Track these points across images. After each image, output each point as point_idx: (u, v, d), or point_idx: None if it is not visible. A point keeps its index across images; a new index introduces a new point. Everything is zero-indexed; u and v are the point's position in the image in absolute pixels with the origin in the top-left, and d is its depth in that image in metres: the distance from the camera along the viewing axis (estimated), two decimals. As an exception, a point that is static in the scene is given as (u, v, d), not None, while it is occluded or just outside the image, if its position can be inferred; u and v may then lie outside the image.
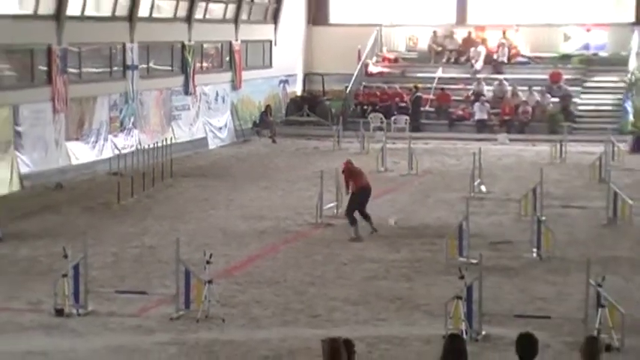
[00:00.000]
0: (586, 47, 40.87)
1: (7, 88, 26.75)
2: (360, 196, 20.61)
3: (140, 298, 15.52)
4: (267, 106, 38.83)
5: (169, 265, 15.96)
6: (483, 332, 13.79)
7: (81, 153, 28.90)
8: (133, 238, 20.36)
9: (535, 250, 18.63)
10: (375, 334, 13.99)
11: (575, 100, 38.81)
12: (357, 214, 20.51)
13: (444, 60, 41.64)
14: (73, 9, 28.42)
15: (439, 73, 40.74)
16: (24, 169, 26.39)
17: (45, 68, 27.67)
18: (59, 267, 15.41)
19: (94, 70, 30.35)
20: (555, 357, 12.66)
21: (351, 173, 21.04)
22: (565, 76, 39.50)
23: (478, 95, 39.02)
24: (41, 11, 27.50)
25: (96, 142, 29.57)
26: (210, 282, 14.73)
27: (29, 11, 27.30)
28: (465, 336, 12.73)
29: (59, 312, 14.83)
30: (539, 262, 18.30)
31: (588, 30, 40.88)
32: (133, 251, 19.19)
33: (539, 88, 38.95)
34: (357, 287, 16.59)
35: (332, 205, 22.36)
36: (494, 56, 40.92)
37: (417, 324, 14.59)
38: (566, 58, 40.62)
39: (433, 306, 15.07)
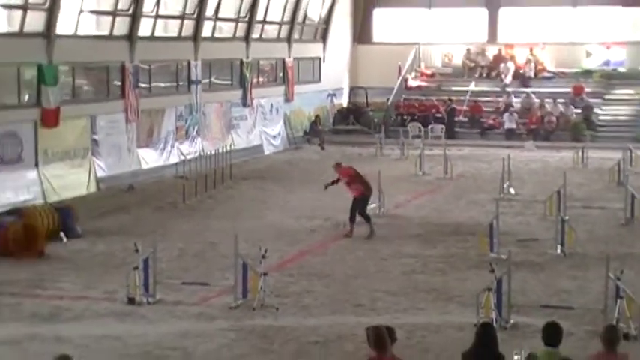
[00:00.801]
0: (606, 63, 40.46)
1: (86, 101, 27.02)
2: (362, 201, 20.28)
3: (202, 289, 15.60)
4: (317, 117, 38.84)
5: (229, 258, 16.02)
6: (512, 321, 13.71)
7: (150, 158, 29.09)
8: (196, 234, 20.46)
9: (559, 246, 18.48)
10: (413, 322, 13.95)
11: (596, 110, 38.42)
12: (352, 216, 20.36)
13: (477, 75, 41.44)
14: (144, 30, 28.63)
15: (472, 86, 40.54)
16: (100, 173, 26.61)
17: (119, 83, 27.89)
18: (131, 260, 15.54)
19: (162, 84, 30.55)
20: (578, 344, 12.54)
21: (353, 179, 20.56)
22: (587, 89, 39.14)
23: (507, 106, 38.81)
24: (116, 32, 27.74)
25: (164, 148, 29.76)
26: (265, 274, 14.77)
27: (105, 32, 27.55)
28: (494, 324, 12.66)
29: (131, 300, 14.94)
30: (563, 257, 18.15)
31: (608, 48, 40.46)
32: (197, 246, 19.28)
33: (563, 100, 38.65)
34: (396, 280, 16.56)
35: (374, 205, 22.30)
36: (522, 71, 40.68)
37: (451, 313, 14.53)
38: (587, 73, 40.26)
39: (466, 297, 14.99)
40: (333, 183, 21.19)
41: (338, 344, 12.92)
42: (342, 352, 12.50)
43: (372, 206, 22.21)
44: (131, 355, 12.52)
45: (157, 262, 15.50)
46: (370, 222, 20.24)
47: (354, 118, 40.47)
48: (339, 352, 12.53)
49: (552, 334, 9.09)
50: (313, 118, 38.80)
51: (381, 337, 8.13)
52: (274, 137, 36.59)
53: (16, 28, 24.22)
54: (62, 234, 19.76)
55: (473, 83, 40.78)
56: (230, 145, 30.70)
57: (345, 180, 20.69)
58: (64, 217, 20.00)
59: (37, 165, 24.36)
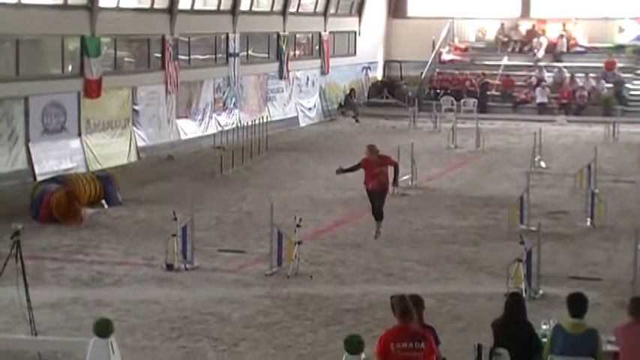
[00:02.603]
0: (638, 38, 39.95)
1: (127, 72, 27.13)
2: (369, 195, 17.30)
3: (239, 257, 15.67)
4: (352, 90, 38.73)
5: (264, 227, 16.06)
6: (541, 291, 13.64)
7: (189, 129, 29.17)
8: (233, 204, 20.52)
9: (589, 219, 18.35)
10: (443, 292, 13.93)
11: (627, 85, 38.03)
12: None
13: (509, 49, 41.10)
14: (183, 3, 28.63)
15: (505, 61, 40.20)
16: (140, 143, 26.75)
17: (159, 55, 27.95)
18: (170, 228, 15.61)
19: (201, 57, 30.56)
20: (605, 315, 12.47)
21: (366, 165, 17.17)
22: (619, 64, 38.75)
23: (539, 81, 38.51)
24: (157, 5, 27.76)
25: (202, 119, 29.82)
26: (299, 243, 14.79)
27: (147, 5, 27.58)
28: (524, 294, 12.61)
29: (169, 267, 15.03)
30: (592, 230, 18.02)
31: (641, 23, 40.01)
32: (233, 215, 19.35)
33: (594, 75, 38.27)
34: (428, 250, 16.52)
35: (407, 177, 22.25)
36: (555, 46, 40.31)
37: (481, 283, 14.49)
38: (620, 48, 39.80)
39: (496, 267, 14.94)
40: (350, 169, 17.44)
41: (370, 312, 12.93)
42: (373, 319, 12.50)
43: (404, 178, 22.13)
44: (169, 320, 12.61)
45: (195, 230, 15.56)
46: (379, 222, 17.16)
47: (388, 92, 40.34)
48: (371, 320, 12.54)
49: (577, 304, 9.04)
50: (348, 91, 38.70)
51: (405, 307, 8.08)
52: (310, 109, 36.55)
53: (60, 0, 24.32)
54: (103, 201, 19.90)
55: (506, 58, 40.43)
56: (266, 117, 30.70)
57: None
58: (105, 185, 20.13)
59: (79, 134, 24.53)
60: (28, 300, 11.06)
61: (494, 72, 39.44)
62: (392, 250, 16.47)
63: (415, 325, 8.13)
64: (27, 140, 22.80)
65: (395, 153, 22.49)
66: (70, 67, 24.94)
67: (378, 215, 17.17)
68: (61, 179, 19.96)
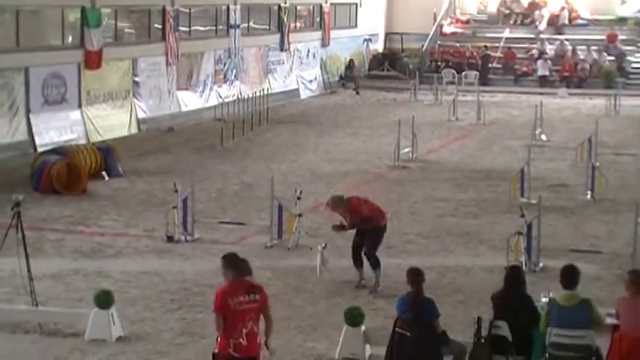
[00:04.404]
0: (640, 11, 39.86)
1: (128, 43, 27.03)
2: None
3: (239, 229, 15.66)
4: (351, 60, 38.55)
5: (265, 200, 16.05)
6: (541, 264, 13.65)
7: (190, 101, 29.11)
8: (233, 176, 20.51)
9: (589, 192, 18.33)
10: (444, 264, 13.94)
11: (629, 58, 37.90)
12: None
13: (511, 22, 40.99)
14: (184, -26, 28.52)
15: (506, 33, 40.05)
16: (141, 115, 26.70)
17: (160, 27, 27.84)
18: (170, 200, 15.62)
19: (202, 28, 30.44)
20: (606, 288, 12.48)
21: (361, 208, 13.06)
22: (620, 37, 38.62)
23: (541, 53, 38.38)
24: (157, -24, 27.65)
25: (203, 91, 29.75)
26: (300, 215, 14.79)
27: (146, -24, 27.47)
28: (524, 267, 12.61)
29: (170, 238, 15.04)
30: (593, 203, 18.01)
31: (643, -5, 39.82)
32: (234, 187, 19.34)
33: (596, 47, 38.11)
34: (428, 223, 16.52)
35: (407, 150, 22.22)
36: (557, 18, 40.13)
37: (481, 256, 14.50)
38: (622, 20, 39.68)
39: (496, 240, 14.94)
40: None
41: (370, 284, 12.92)
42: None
43: (404, 151, 22.08)
44: (169, 291, 12.63)
45: (195, 201, 15.57)
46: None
47: (389, 64, 40.19)
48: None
49: (568, 277, 9.06)
50: (347, 63, 38.54)
51: (236, 263, 8.43)
52: (310, 81, 36.45)
53: (59, -29, 24.19)
54: (104, 173, 19.88)
55: (507, 30, 40.27)
56: (267, 89, 30.60)
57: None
58: (105, 157, 20.11)
59: (80, 106, 24.47)
60: (29, 271, 11.07)
61: (496, 44, 39.28)
62: (392, 223, 16.41)
63: (249, 280, 8.43)
64: (27, 111, 22.75)
65: (395, 125, 22.52)
66: (70, 38, 24.84)
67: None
68: (61, 150, 19.94)
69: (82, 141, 23.33)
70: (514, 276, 9.55)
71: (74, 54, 24.43)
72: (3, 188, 17.49)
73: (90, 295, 11.42)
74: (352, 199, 13.08)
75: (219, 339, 8.30)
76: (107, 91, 25.45)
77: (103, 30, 25.27)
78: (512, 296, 9.37)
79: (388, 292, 12.36)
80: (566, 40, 38.89)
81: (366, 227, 12.71)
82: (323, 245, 13.00)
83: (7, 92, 22.20)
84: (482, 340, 9.13)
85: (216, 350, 8.31)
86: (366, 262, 12.85)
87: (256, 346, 8.27)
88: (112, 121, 25.36)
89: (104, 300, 10.94)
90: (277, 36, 34.12)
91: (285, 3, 34.25)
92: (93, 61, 24.68)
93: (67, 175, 18.74)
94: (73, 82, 24.24)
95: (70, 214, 16.88)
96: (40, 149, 21.71)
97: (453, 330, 9.75)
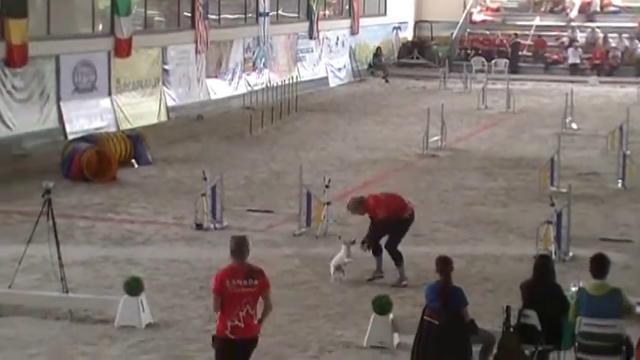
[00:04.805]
0: (673, -3, 39.44)
1: (158, 31, 27.12)
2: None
3: (268, 216, 15.68)
4: (378, 48, 38.30)
5: (293, 188, 16.06)
6: (571, 253, 13.57)
7: (219, 89, 29.15)
8: (262, 164, 20.53)
9: (620, 181, 18.19)
10: (473, 253, 13.90)
11: (661, 46, 37.59)
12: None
13: (542, 9, 40.71)
14: (213, -37, 28.51)
15: (537, 21, 39.78)
16: (170, 102, 26.77)
17: (189, 15, 27.87)
18: (199, 187, 15.64)
19: (231, 16, 30.46)
20: (636, 277, 12.38)
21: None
22: (653, 25, 38.31)
23: (572, 41, 38.08)
24: (187, -36, 27.67)
25: (232, 79, 29.77)
26: (328, 203, 14.79)
27: (177, -36, 27.50)
28: (553, 256, 12.54)
29: (199, 226, 15.09)
30: (623, 191, 17.87)
31: (676, -18, 39.38)
32: (262, 175, 19.36)
33: (628, 35, 37.79)
34: (457, 211, 16.46)
35: (436, 138, 22.14)
36: (588, 6, 39.79)
37: (510, 244, 14.43)
38: (654, 7, 39.31)
39: (526, 229, 14.86)
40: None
41: (391, 280, 12.87)
42: (402, 280, 12.48)
43: (433, 139, 21.99)
44: (198, 279, 12.67)
45: (224, 189, 15.60)
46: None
47: (419, 52, 40.06)
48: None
49: (598, 266, 8.98)
50: (375, 50, 38.42)
51: (236, 246, 8.35)
52: (339, 70, 36.38)
53: (90, -41, 24.28)
54: (133, 161, 19.97)
55: (538, 18, 40.00)
56: (296, 77, 30.58)
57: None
58: (135, 145, 20.20)
59: (110, 93, 24.58)
60: (60, 258, 11.16)
61: (526, 32, 39.02)
62: (421, 211, 16.37)
63: (249, 264, 8.38)
64: (58, 99, 22.87)
65: (424, 114, 22.44)
66: (100, 26, 24.94)
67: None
68: (91, 138, 20.05)
69: (112, 129, 23.44)
70: (543, 265, 9.50)
71: (104, 42, 24.53)
72: (34, 176, 17.63)
73: (119, 282, 11.49)
74: (369, 199, 12.75)
75: (217, 321, 8.34)
76: (137, 79, 25.54)
77: (133, 18, 25.33)
78: (541, 285, 9.32)
79: (416, 280, 12.34)
80: (598, 27, 38.57)
81: (387, 225, 12.51)
82: (352, 240, 12.64)
83: (38, 80, 22.34)
84: (511, 329, 9.09)
85: (215, 333, 8.38)
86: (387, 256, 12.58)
87: (254, 329, 8.32)
88: (141, 109, 25.45)
89: (134, 287, 11.00)
90: (306, 24, 34.06)
91: (315, -9, 34.20)
92: (123, 49, 24.76)
93: (97, 162, 18.85)
94: (103, 70, 24.34)
95: (99, 201, 16.98)
96: (70, 137, 21.83)
97: (481, 319, 9.72)
